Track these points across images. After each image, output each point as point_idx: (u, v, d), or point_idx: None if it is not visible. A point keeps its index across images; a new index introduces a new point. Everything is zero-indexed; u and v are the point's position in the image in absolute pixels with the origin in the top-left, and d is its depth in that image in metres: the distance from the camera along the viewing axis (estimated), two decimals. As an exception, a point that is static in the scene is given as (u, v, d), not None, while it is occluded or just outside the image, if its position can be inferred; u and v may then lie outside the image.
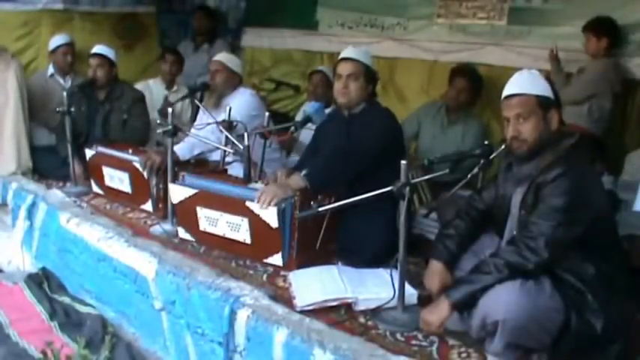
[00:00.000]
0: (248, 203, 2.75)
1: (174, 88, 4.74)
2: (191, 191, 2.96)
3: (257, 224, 2.75)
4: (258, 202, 2.70)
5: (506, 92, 2.13)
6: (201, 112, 3.79)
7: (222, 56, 3.84)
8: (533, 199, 2.09)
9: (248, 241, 2.82)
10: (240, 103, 3.57)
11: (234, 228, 2.84)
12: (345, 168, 2.82)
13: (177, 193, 3.02)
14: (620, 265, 2.11)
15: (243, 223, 2.79)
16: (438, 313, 2.09)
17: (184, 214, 3.04)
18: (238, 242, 2.85)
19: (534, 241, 2.00)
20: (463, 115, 3.92)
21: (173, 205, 3.10)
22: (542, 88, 2.10)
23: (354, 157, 2.83)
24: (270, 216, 2.70)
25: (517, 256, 2.00)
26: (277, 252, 2.76)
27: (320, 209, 2.48)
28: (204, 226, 2.96)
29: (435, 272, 2.29)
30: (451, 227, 2.35)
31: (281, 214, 2.68)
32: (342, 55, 2.99)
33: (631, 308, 2.14)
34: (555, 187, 2.01)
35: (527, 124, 2.08)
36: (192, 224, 3.01)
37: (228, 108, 3.40)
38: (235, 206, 2.81)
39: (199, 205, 2.93)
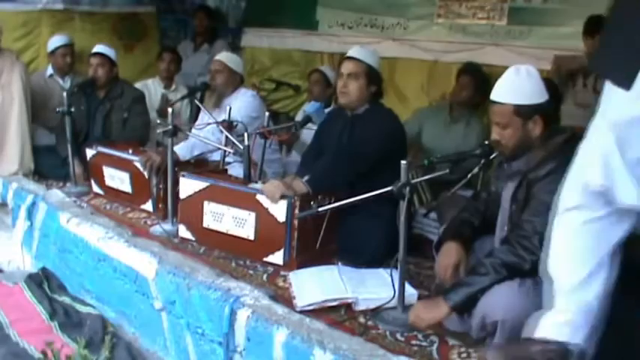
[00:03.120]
0: (258, 196, 2.77)
1: (173, 87, 4.74)
2: (202, 184, 2.97)
3: (264, 218, 2.77)
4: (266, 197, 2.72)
5: (491, 95, 2.15)
6: (202, 112, 3.79)
7: (224, 56, 3.82)
8: (524, 194, 2.10)
9: (251, 237, 2.83)
10: (241, 104, 3.57)
11: (239, 224, 2.85)
12: (347, 171, 2.82)
13: (188, 186, 3.03)
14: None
15: (250, 217, 2.81)
16: (434, 313, 2.09)
17: (189, 210, 3.04)
18: (240, 239, 2.86)
19: (529, 240, 2.00)
20: (466, 114, 3.90)
21: (178, 200, 3.10)
22: (523, 96, 2.07)
23: (356, 160, 2.83)
24: (278, 210, 2.71)
25: (513, 256, 2.00)
26: (280, 249, 2.77)
27: (320, 209, 2.48)
28: (208, 222, 2.96)
29: (452, 248, 2.27)
30: (461, 216, 2.38)
31: (289, 209, 2.69)
32: (347, 54, 3.00)
33: (631, 303, 2.14)
34: (547, 184, 2.02)
35: (506, 132, 2.12)
36: (195, 221, 3.01)
37: (228, 108, 3.40)
38: (244, 200, 2.83)
39: (207, 200, 2.94)
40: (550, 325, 1.75)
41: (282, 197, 2.71)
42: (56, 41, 4.45)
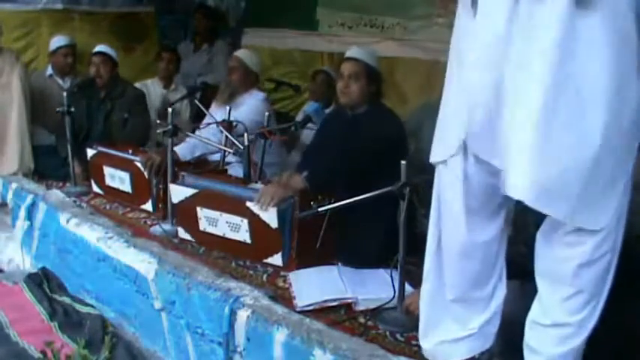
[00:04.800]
0: (248, 204, 2.75)
1: (172, 87, 4.74)
2: (191, 191, 2.97)
3: (257, 225, 2.76)
4: (257, 202, 2.71)
5: None
6: (210, 111, 3.78)
7: (242, 53, 3.82)
8: None
9: (248, 241, 2.82)
10: (251, 106, 3.57)
11: (234, 228, 2.84)
12: (347, 170, 2.82)
13: (178, 192, 3.02)
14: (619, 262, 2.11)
15: (243, 223, 2.80)
16: None
17: (184, 214, 3.04)
18: (238, 242, 2.85)
19: (533, 238, 2.00)
20: None
21: (173, 204, 3.11)
22: None
23: (356, 159, 2.83)
24: (269, 217, 2.70)
25: (516, 255, 2.00)
26: (277, 252, 2.76)
27: (320, 209, 2.48)
28: (204, 226, 2.96)
29: None
30: None
31: (281, 215, 2.68)
32: (346, 55, 3.00)
33: (631, 306, 2.14)
34: None
35: None
36: (192, 224, 3.01)
37: (228, 108, 3.40)
38: (235, 207, 2.82)
39: (199, 206, 2.93)
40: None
41: (280, 201, 2.70)
42: (58, 41, 4.44)
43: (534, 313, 1.75)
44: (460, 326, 1.87)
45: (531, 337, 1.76)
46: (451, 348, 1.89)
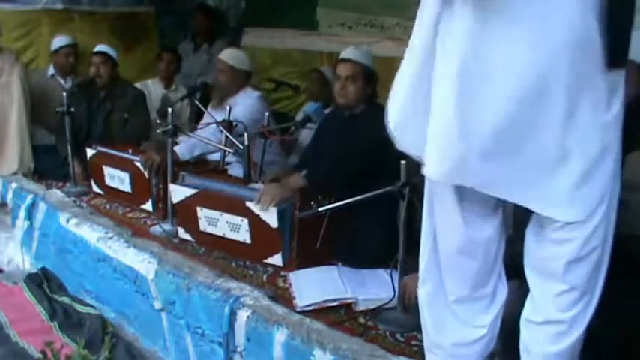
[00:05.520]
0: (248, 204, 2.75)
1: (173, 87, 4.74)
2: (191, 191, 2.97)
3: (257, 225, 2.76)
4: (258, 203, 2.71)
5: None
6: (206, 112, 3.78)
7: (226, 54, 3.74)
8: None
9: (248, 241, 2.82)
10: (245, 106, 3.56)
11: (234, 228, 2.84)
12: (345, 169, 2.82)
13: (178, 193, 3.02)
14: (617, 261, 2.11)
15: (243, 223, 2.80)
16: None
17: (184, 214, 3.04)
18: (238, 242, 2.85)
19: None
20: None
21: (173, 205, 3.11)
22: None
23: (354, 159, 2.83)
24: (269, 217, 2.70)
25: (515, 256, 2.00)
26: (277, 252, 2.77)
27: (320, 209, 2.48)
28: (204, 226, 2.96)
29: None
30: None
31: (281, 215, 2.68)
32: (341, 56, 2.99)
33: (631, 305, 2.14)
34: None
35: None
36: (192, 224, 3.01)
37: (228, 108, 3.39)
38: (235, 207, 2.82)
39: (199, 206, 2.93)
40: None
41: (280, 202, 2.70)
42: (60, 41, 4.44)
43: (527, 311, 1.74)
44: (468, 327, 1.85)
45: (525, 335, 1.75)
46: (466, 350, 1.87)
